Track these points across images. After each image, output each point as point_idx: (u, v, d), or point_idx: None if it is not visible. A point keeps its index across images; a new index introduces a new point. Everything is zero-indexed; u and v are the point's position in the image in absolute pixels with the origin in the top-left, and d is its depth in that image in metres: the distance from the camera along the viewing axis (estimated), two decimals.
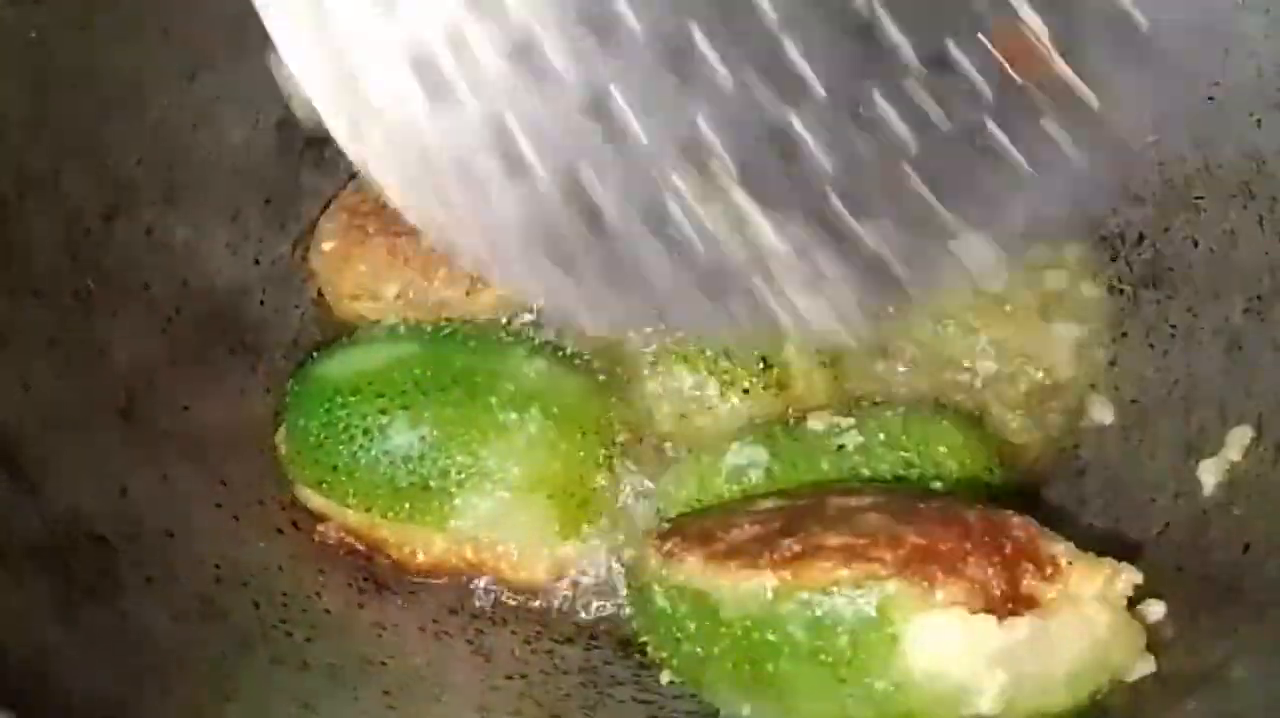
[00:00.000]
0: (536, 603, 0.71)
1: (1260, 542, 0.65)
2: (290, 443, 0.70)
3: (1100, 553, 0.68)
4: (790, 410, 0.72)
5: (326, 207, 0.80)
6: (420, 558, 0.69)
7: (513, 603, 0.71)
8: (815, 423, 0.69)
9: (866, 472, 0.68)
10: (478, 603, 0.70)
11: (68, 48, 0.75)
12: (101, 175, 0.77)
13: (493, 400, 0.68)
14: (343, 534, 0.69)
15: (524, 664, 0.67)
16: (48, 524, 0.64)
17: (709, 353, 0.72)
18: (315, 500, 0.70)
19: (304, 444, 0.69)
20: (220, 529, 0.69)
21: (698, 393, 0.72)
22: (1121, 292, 0.79)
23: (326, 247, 0.78)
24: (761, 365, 0.72)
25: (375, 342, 0.73)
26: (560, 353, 0.73)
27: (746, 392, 0.72)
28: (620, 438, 0.70)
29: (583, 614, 0.71)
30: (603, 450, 0.69)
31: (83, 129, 0.76)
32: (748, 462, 0.68)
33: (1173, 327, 0.76)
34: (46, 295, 0.72)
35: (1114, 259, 0.80)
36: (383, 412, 0.68)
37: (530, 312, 0.76)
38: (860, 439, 0.69)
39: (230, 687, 0.61)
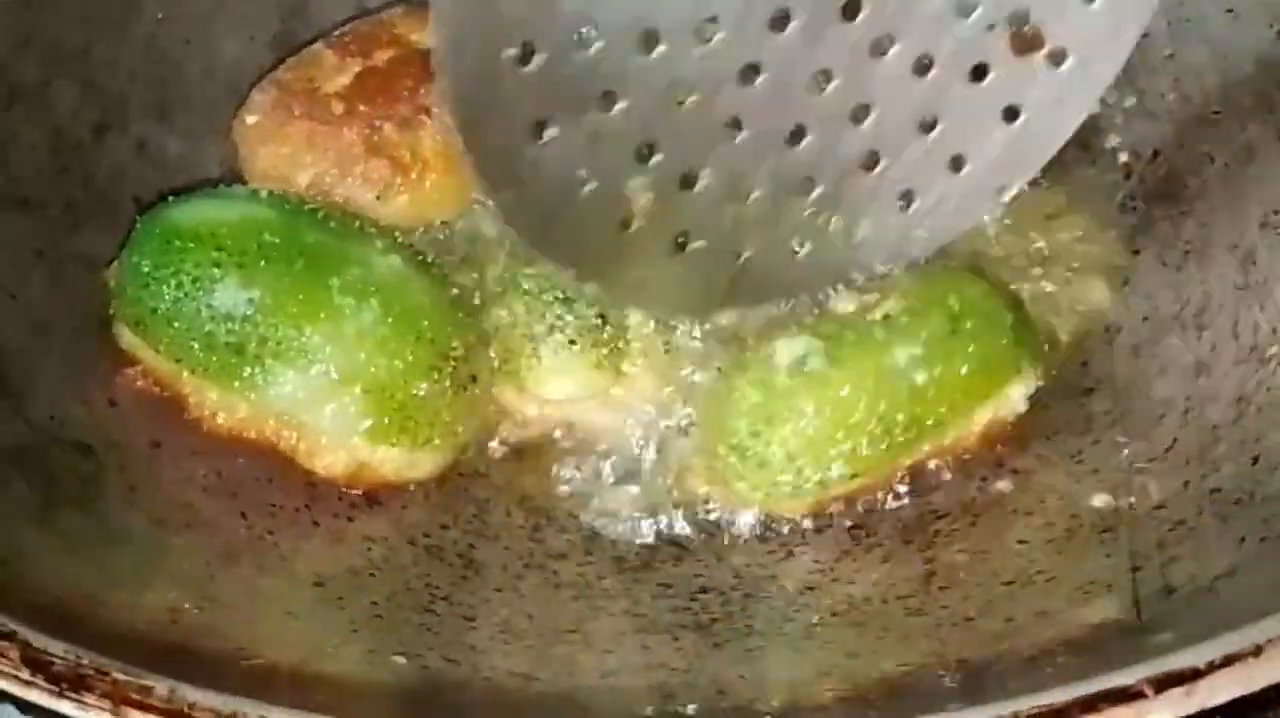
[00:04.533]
0: (532, 520, 0.70)
1: (1269, 454, 0.63)
2: (119, 277, 0.68)
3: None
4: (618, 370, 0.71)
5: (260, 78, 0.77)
6: (220, 420, 0.67)
7: (506, 519, 0.69)
8: (843, 304, 0.69)
9: (923, 333, 0.67)
10: (471, 519, 0.69)
11: None
12: (92, 89, 0.76)
13: (334, 282, 0.67)
14: (146, 383, 0.68)
15: (515, 579, 0.66)
16: (32, 431, 0.64)
17: (555, 296, 0.70)
18: (129, 339, 0.68)
19: (132, 281, 0.67)
20: (210, 442, 0.68)
21: (528, 332, 0.70)
22: (1134, 209, 0.77)
23: (250, 119, 0.75)
24: (599, 321, 0.70)
25: (234, 198, 0.71)
26: (421, 258, 0.71)
27: (573, 343, 0.70)
28: (456, 353, 0.68)
29: (576, 531, 0.69)
30: (434, 360, 0.67)
31: (73, 42, 0.76)
32: (805, 351, 0.67)
33: (1186, 243, 0.74)
34: (35, 206, 0.72)
35: (1127, 176, 0.78)
36: (217, 265, 0.66)
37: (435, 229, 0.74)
38: (902, 303, 0.68)
39: (212, 592, 0.60)
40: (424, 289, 0.70)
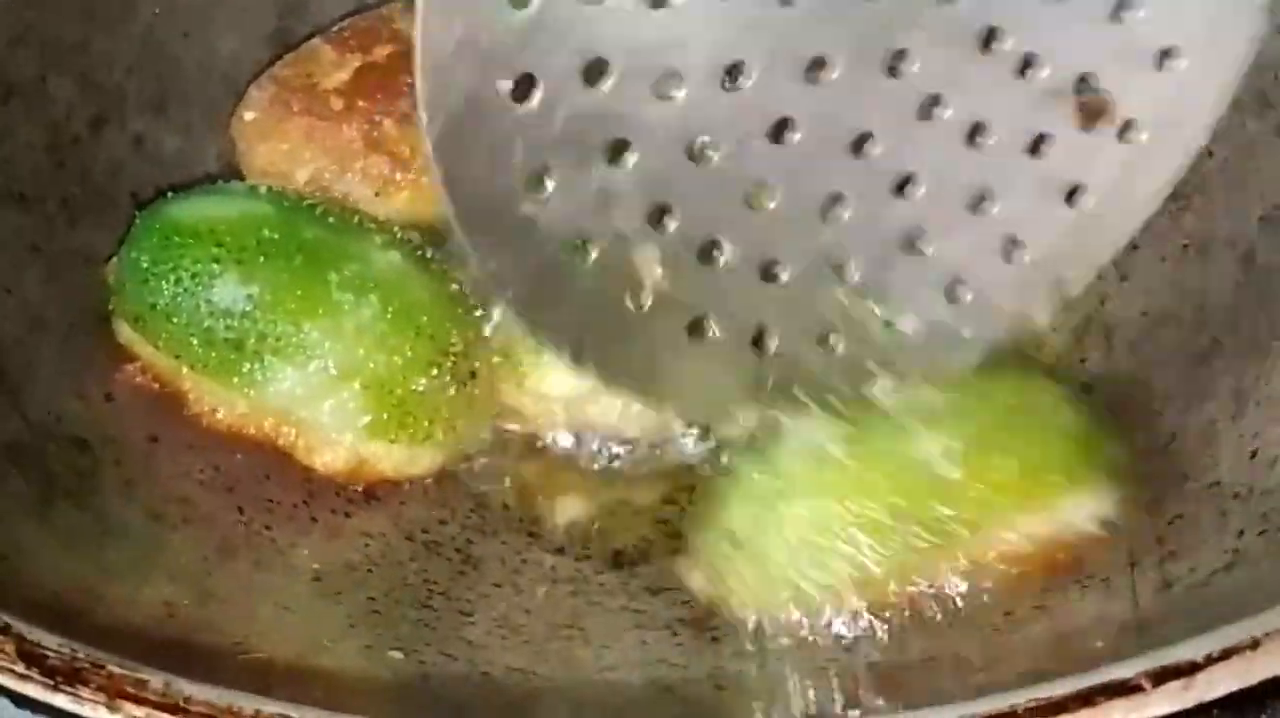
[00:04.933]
0: (530, 516, 0.69)
1: (1267, 449, 0.63)
2: (118, 273, 0.69)
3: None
4: None
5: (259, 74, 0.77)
6: (220, 416, 0.67)
7: (504, 515, 0.69)
8: (884, 388, 0.60)
9: (963, 424, 0.59)
10: (469, 514, 0.69)
11: None
12: (90, 85, 0.76)
13: (332, 277, 0.67)
14: (146, 379, 0.68)
15: (513, 574, 0.66)
16: (28, 427, 0.64)
17: None
18: (128, 336, 0.68)
19: (131, 277, 0.68)
20: (207, 437, 0.68)
21: None
22: None
23: (248, 116, 0.75)
24: None
25: (233, 194, 0.71)
26: (420, 254, 0.71)
27: None
28: (456, 349, 0.68)
29: (574, 527, 0.69)
30: (433, 356, 0.67)
31: (70, 38, 0.76)
32: (822, 438, 0.59)
33: (1185, 238, 0.74)
34: (31, 202, 0.72)
35: None
36: (216, 261, 0.67)
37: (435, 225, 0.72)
38: (943, 394, 0.59)
39: (209, 587, 0.60)
40: (423, 285, 0.70)
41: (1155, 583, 0.59)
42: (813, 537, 0.58)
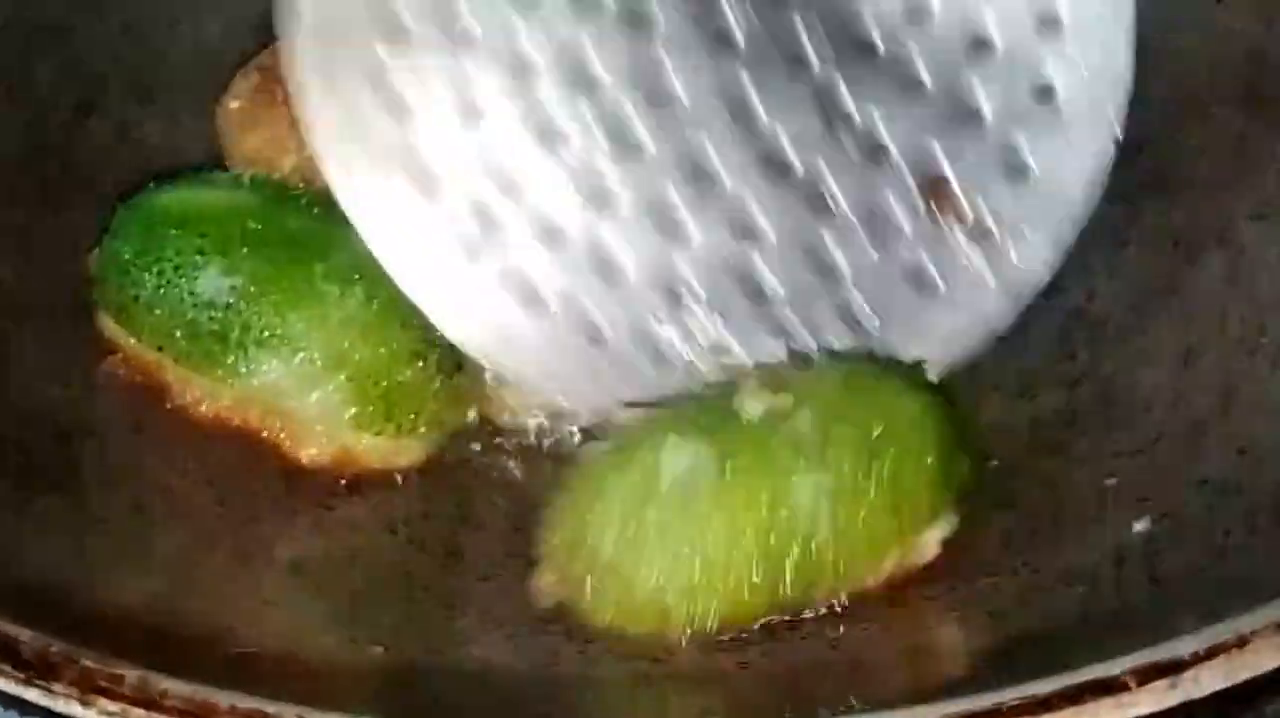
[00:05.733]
0: (515, 509, 0.69)
1: (1255, 446, 0.63)
2: (100, 265, 0.68)
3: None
4: None
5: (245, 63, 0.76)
6: (204, 409, 0.67)
7: (489, 507, 0.69)
8: (751, 406, 0.60)
9: (832, 464, 0.58)
10: (453, 507, 0.69)
11: None
12: (73, 72, 0.76)
13: (317, 268, 0.66)
14: (128, 370, 0.67)
15: (498, 568, 0.66)
16: (8, 416, 0.64)
17: None
18: (110, 327, 0.68)
19: (113, 268, 0.67)
20: (190, 429, 0.67)
21: None
22: (1122, 199, 0.77)
23: (233, 105, 0.75)
24: None
25: (216, 184, 0.71)
26: None
27: None
28: (441, 340, 0.67)
29: None
30: (419, 347, 0.67)
31: (53, 24, 0.75)
32: (691, 462, 0.58)
33: (1174, 234, 0.74)
34: (12, 189, 0.71)
35: (1115, 167, 0.77)
36: (200, 252, 0.66)
37: None
38: (817, 417, 0.59)
39: (190, 579, 0.60)
40: None
41: (1142, 580, 0.59)
42: (682, 566, 0.58)
